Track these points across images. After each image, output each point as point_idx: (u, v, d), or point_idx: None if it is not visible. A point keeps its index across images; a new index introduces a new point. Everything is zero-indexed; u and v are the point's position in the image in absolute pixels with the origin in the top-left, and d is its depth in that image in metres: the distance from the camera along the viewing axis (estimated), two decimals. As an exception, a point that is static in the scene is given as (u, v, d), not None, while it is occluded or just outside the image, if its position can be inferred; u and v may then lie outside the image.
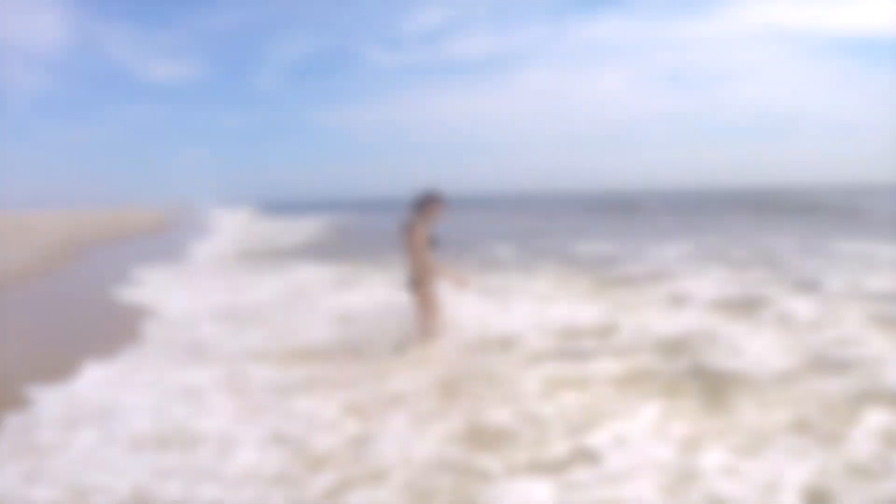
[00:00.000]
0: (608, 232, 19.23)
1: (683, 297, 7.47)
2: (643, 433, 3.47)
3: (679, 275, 9.03)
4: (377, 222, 32.85)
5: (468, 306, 6.57)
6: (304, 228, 27.66)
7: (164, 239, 24.20)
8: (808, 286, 7.74)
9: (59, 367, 4.98)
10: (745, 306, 6.72)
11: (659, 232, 18.37)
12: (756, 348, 5.04)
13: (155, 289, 9.58)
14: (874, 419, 3.47)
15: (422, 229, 4.69)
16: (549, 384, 4.30)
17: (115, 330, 6.58)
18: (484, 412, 3.85)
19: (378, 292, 8.10)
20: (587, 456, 3.23)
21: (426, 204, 4.78)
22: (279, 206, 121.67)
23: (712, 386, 4.19)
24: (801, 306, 6.44)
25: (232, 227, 32.13)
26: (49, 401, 4.27)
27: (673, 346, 5.13)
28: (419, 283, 4.77)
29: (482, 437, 3.49)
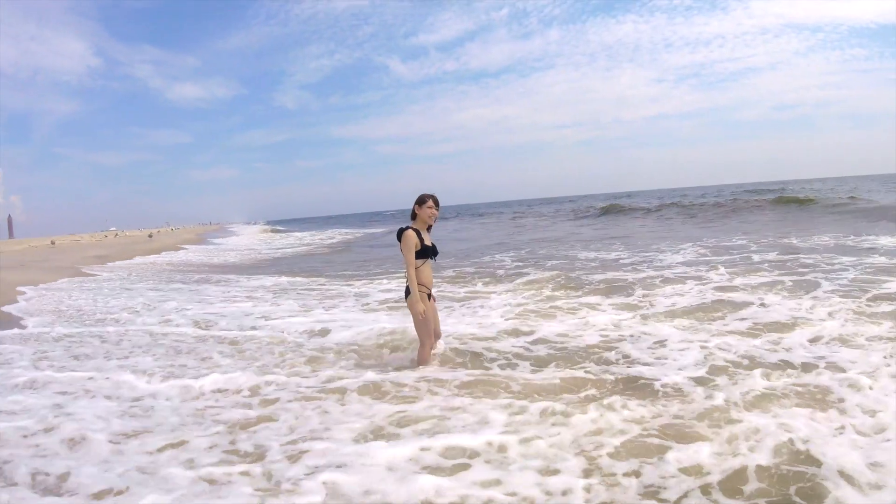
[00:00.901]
0: (628, 236, 18.16)
1: (638, 306, 6.57)
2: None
3: (663, 283, 8.30)
4: (374, 236, 32.56)
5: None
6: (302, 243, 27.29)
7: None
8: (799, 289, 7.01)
9: None
10: (703, 312, 6.26)
11: (685, 235, 17.13)
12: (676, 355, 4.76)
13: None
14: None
15: (410, 233, 4.57)
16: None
17: None
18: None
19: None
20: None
21: (414, 208, 4.74)
22: (300, 222, 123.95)
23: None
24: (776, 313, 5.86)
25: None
26: None
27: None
28: (407, 293, 4.67)
29: None
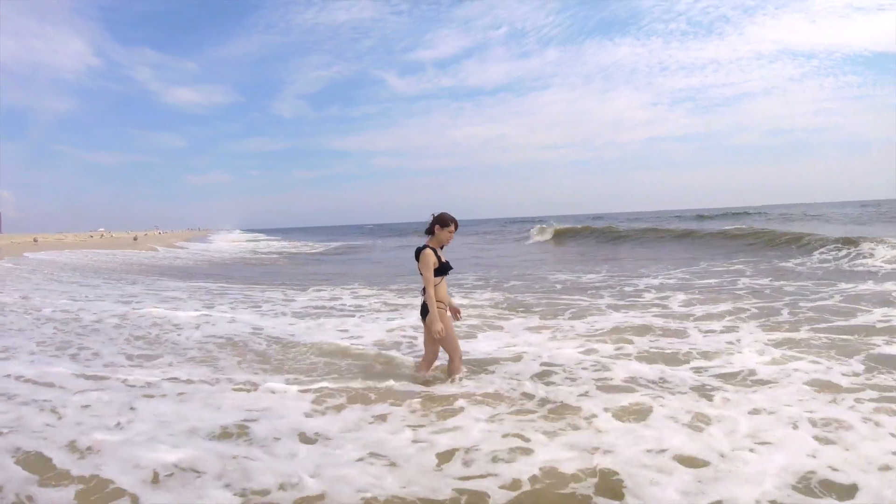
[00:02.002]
0: (610, 259, 17.60)
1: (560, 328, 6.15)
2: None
3: (613, 308, 7.93)
4: (351, 250, 32.27)
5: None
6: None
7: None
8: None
9: None
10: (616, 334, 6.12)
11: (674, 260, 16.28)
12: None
13: None
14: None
15: (428, 252, 4.60)
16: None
17: None
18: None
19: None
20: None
21: (431, 227, 4.76)
22: (295, 231, 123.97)
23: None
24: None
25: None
26: None
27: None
28: (424, 310, 4.69)
29: None
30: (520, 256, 20.45)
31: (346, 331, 6.63)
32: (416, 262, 4.65)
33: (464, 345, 5.28)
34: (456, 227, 4.76)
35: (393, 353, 5.51)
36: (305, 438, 3.25)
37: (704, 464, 2.82)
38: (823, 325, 6.00)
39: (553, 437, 3.23)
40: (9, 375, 4.69)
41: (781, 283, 9.39)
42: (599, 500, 2.52)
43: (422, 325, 4.75)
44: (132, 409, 3.76)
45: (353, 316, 7.68)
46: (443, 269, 4.71)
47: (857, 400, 3.68)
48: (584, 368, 4.75)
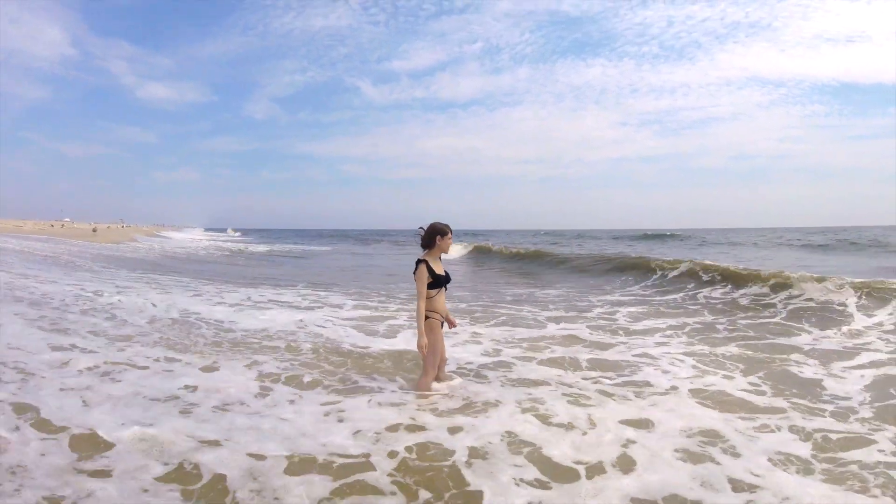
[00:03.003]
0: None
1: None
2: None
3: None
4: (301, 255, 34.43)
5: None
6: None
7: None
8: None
9: None
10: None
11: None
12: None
13: None
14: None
15: (423, 267, 4.69)
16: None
17: None
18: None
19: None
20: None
21: (429, 239, 4.84)
22: (259, 233, 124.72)
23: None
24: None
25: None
26: None
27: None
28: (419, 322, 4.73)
29: None
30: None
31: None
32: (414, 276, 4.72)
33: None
34: (451, 234, 4.85)
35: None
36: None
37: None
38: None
39: (441, 417, 4.07)
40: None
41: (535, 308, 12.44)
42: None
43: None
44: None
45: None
46: (438, 282, 4.75)
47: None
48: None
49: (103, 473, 3.04)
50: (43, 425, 3.62)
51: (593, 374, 5.67)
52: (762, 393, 5.04)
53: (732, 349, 6.68)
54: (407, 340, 7.06)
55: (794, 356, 6.35)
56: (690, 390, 5.07)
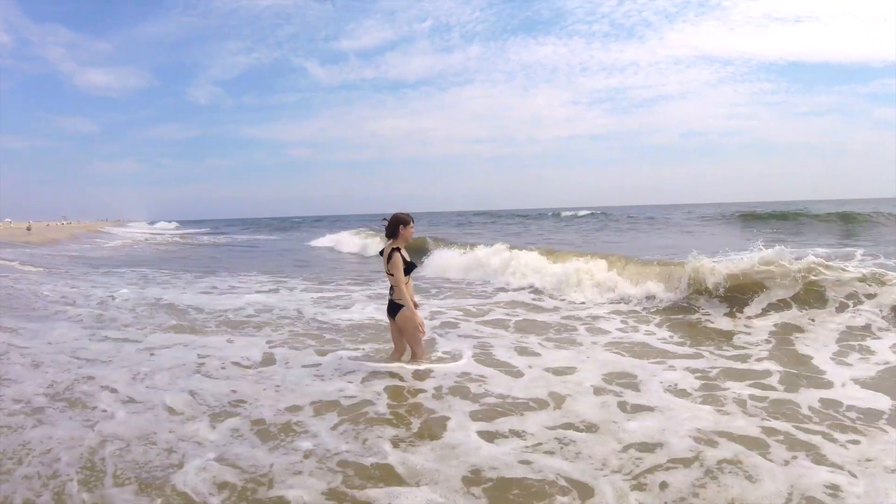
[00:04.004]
0: None
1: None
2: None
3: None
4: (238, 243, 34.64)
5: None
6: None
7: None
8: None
9: None
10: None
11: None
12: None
13: None
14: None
15: (398, 256, 4.95)
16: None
17: None
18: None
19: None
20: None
21: (393, 229, 5.06)
22: (207, 223, 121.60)
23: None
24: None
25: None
26: None
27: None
28: (398, 308, 5.08)
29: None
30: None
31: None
32: (384, 263, 5.04)
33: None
34: (413, 223, 5.12)
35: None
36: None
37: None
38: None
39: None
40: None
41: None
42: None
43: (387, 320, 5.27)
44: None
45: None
46: (408, 269, 5.06)
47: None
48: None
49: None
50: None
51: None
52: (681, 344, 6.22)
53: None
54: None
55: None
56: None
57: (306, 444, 3.59)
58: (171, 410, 4.24)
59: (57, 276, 14.34)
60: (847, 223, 26.19)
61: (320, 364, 5.48)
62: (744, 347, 5.91)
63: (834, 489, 2.90)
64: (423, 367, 5.12)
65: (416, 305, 5.18)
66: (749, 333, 6.42)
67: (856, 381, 4.69)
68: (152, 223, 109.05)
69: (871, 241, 17.30)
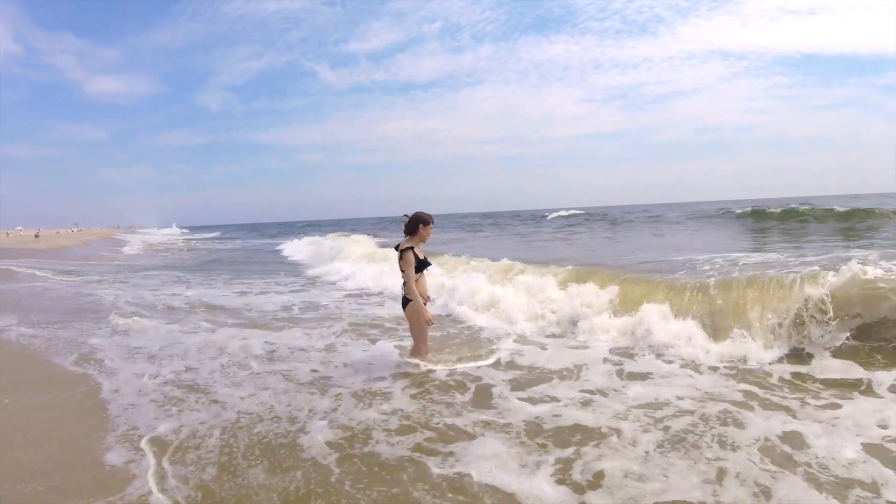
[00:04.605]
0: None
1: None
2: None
3: None
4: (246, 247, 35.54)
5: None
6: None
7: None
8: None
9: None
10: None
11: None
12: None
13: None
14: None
15: (410, 254, 5.13)
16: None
17: None
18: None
19: None
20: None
21: (413, 227, 5.23)
22: (217, 228, 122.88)
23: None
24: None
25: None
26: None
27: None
28: (408, 302, 5.27)
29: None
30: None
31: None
32: (399, 260, 5.18)
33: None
34: (433, 223, 5.27)
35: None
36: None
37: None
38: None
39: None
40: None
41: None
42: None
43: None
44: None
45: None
46: (421, 266, 5.23)
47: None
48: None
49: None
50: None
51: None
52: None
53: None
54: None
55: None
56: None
57: (385, 407, 4.44)
58: (273, 389, 5.00)
59: (116, 285, 15.12)
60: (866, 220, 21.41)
61: (370, 350, 6.33)
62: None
63: None
64: (422, 366, 5.34)
65: (427, 300, 5.35)
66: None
67: None
68: (170, 228, 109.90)
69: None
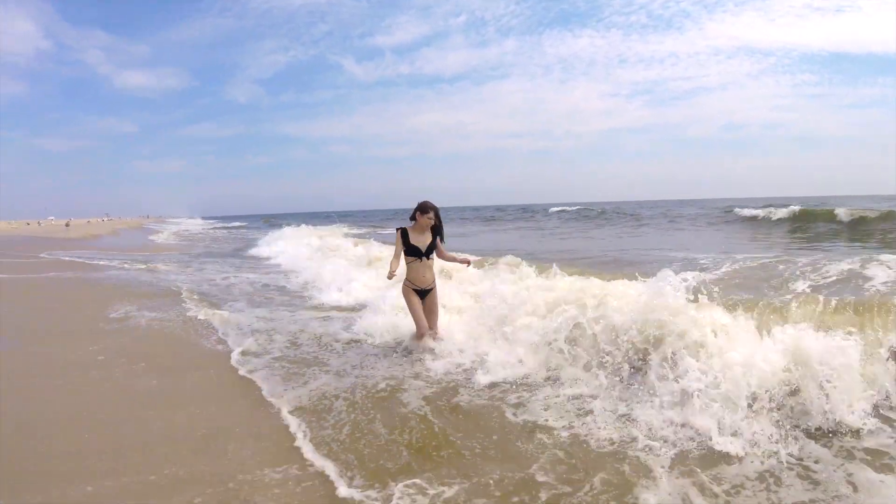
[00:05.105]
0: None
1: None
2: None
3: None
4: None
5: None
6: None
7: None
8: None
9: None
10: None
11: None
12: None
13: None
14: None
15: (398, 233, 5.51)
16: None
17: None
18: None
19: None
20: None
21: (414, 215, 5.50)
22: (243, 219, 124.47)
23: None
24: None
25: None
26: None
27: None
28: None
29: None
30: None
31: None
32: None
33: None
34: (435, 213, 5.41)
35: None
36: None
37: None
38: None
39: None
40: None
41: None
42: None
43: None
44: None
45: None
46: (413, 251, 5.43)
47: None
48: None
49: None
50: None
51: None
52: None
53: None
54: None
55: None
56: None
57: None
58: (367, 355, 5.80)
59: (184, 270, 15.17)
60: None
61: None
62: None
63: None
64: (418, 347, 5.56)
65: (420, 291, 5.58)
66: None
67: None
68: (203, 218, 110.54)
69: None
